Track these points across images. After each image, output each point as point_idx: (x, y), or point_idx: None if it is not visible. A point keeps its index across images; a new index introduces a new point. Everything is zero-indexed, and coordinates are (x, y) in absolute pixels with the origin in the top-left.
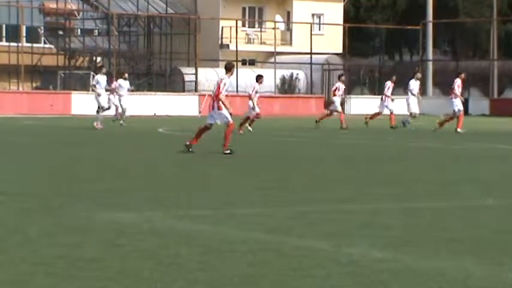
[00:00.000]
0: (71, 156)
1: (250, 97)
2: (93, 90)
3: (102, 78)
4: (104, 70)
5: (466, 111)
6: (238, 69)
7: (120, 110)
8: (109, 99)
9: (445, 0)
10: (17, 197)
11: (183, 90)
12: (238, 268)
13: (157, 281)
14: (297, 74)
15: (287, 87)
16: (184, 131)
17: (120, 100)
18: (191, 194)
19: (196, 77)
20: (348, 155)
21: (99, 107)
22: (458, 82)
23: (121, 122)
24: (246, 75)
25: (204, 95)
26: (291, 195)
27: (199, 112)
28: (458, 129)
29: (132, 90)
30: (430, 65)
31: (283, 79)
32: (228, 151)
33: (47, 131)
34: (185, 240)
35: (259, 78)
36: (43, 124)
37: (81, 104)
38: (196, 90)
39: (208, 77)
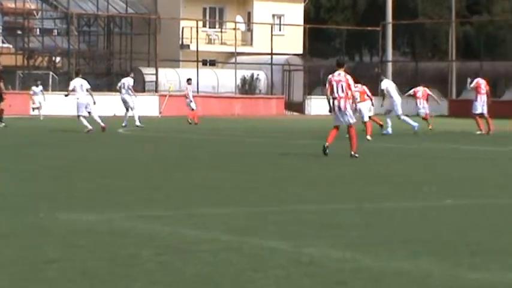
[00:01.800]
0: (30, 155)
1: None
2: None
3: (78, 82)
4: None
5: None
6: (199, 70)
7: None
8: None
9: (405, 1)
10: None
11: (143, 91)
12: (198, 268)
13: (117, 281)
14: (258, 74)
15: (248, 87)
16: (144, 131)
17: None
18: (152, 195)
19: (156, 77)
20: (306, 155)
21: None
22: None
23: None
24: (206, 76)
25: (165, 96)
26: (252, 196)
27: (160, 112)
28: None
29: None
30: (390, 65)
31: (243, 79)
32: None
33: (4, 131)
34: (145, 240)
35: (188, 81)
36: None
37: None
38: (156, 90)
39: (169, 77)
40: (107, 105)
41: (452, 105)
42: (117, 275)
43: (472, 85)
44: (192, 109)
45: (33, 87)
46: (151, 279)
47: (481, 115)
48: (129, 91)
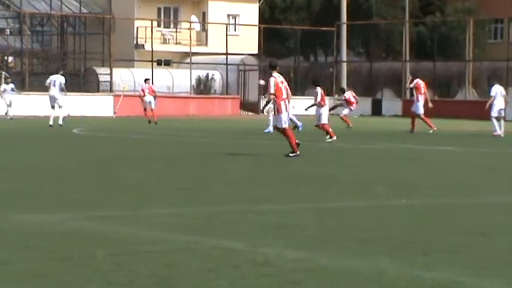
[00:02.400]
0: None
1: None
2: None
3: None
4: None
5: (380, 112)
6: (154, 70)
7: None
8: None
9: (359, 2)
10: None
11: (98, 91)
12: (153, 269)
13: (71, 282)
14: (213, 74)
15: (203, 87)
16: (99, 132)
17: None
18: (107, 195)
19: (111, 77)
20: (262, 155)
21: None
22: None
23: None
24: (161, 76)
25: (119, 96)
26: (207, 196)
27: (114, 112)
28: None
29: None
30: (345, 66)
31: (198, 79)
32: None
33: None
34: (100, 241)
35: (146, 81)
36: None
37: None
38: (111, 90)
39: (123, 77)
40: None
41: (405, 105)
42: (72, 276)
43: (411, 85)
44: (152, 109)
45: (4, 85)
46: (107, 279)
47: (418, 115)
48: (60, 89)
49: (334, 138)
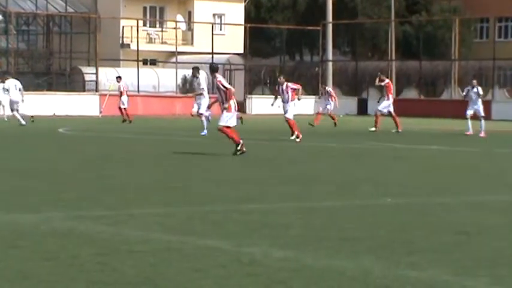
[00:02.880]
0: None
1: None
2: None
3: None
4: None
5: (365, 112)
6: (140, 69)
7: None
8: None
9: (344, 1)
10: None
11: (84, 90)
12: (139, 269)
13: (56, 282)
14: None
15: (188, 87)
16: (85, 131)
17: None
18: (92, 195)
19: (96, 77)
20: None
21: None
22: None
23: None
24: (147, 75)
25: (105, 95)
26: (191, 195)
27: (100, 112)
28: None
29: None
30: (330, 65)
31: (184, 79)
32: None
33: None
34: (85, 241)
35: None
36: None
37: None
38: (96, 90)
39: (109, 76)
40: (46, 105)
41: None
42: (57, 275)
43: (383, 83)
44: (125, 107)
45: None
46: (92, 279)
47: (389, 113)
48: (20, 92)
49: (298, 136)
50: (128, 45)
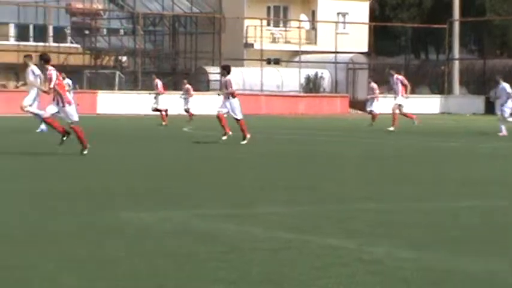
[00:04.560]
0: (99, 154)
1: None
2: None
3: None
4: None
5: (493, 111)
6: (264, 69)
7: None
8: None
9: None
10: (42, 195)
11: (208, 89)
12: (260, 267)
13: (179, 278)
14: (322, 73)
15: (312, 86)
16: (208, 130)
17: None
18: (212, 193)
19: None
20: (366, 154)
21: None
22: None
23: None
24: (270, 75)
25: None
26: (315, 194)
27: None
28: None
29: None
30: (457, 63)
31: (307, 78)
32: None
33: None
34: (207, 239)
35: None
36: None
37: (107, 103)
38: (221, 89)
39: (233, 76)
40: (173, 104)
41: None
42: (181, 272)
43: (405, 83)
44: (166, 109)
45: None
46: (214, 277)
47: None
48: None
49: (230, 133)
50: (252, 45)
